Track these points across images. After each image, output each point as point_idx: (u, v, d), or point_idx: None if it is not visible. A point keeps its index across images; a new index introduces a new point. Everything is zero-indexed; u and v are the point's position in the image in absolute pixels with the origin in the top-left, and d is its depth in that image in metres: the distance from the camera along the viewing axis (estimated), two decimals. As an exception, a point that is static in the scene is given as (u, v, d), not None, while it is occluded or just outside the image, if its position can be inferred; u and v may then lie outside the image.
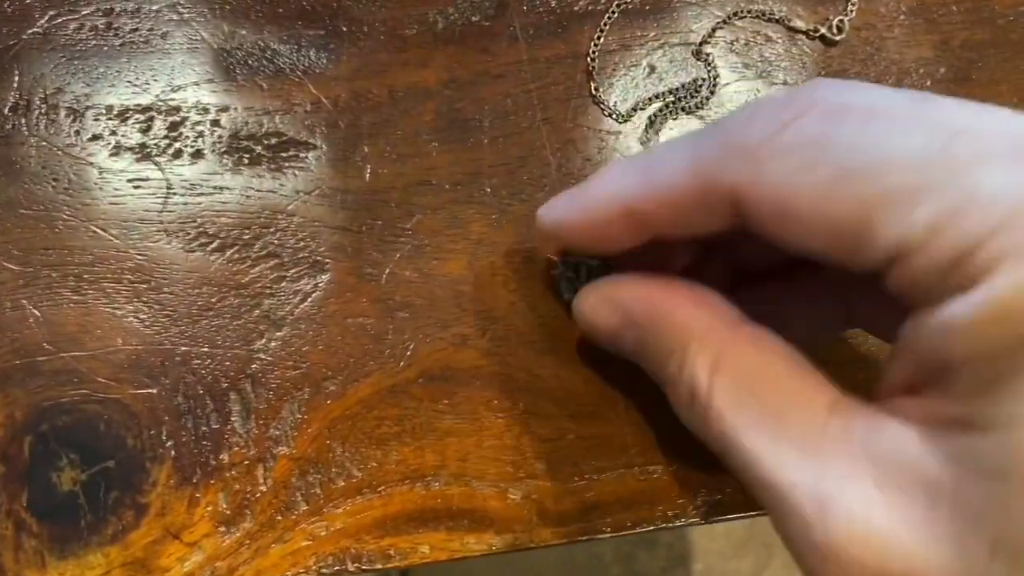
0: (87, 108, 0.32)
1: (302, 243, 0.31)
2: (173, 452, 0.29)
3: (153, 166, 0.31)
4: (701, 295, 0.26)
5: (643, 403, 0.31)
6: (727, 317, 0.25)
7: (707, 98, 0.34)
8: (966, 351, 0.18)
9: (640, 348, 0.26)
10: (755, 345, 0.24)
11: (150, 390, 0.29)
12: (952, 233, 0.18)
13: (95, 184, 0.31)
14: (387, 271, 0.31)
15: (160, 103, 0.32)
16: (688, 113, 0.33)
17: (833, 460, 0.21)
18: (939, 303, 0.19)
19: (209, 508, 0.29)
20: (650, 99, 0.34)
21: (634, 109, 0.33)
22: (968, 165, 0.18)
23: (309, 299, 0.31)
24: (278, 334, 0.30)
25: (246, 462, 0.29)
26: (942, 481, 0.19)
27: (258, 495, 0.29)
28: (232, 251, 0.31)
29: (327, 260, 0.31)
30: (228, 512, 0.29)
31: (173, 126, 0.31)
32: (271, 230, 0.31)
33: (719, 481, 0.31)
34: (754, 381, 0.23)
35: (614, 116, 0.33)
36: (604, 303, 0.27)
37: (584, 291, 0.28)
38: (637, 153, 0.26)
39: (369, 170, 0.32)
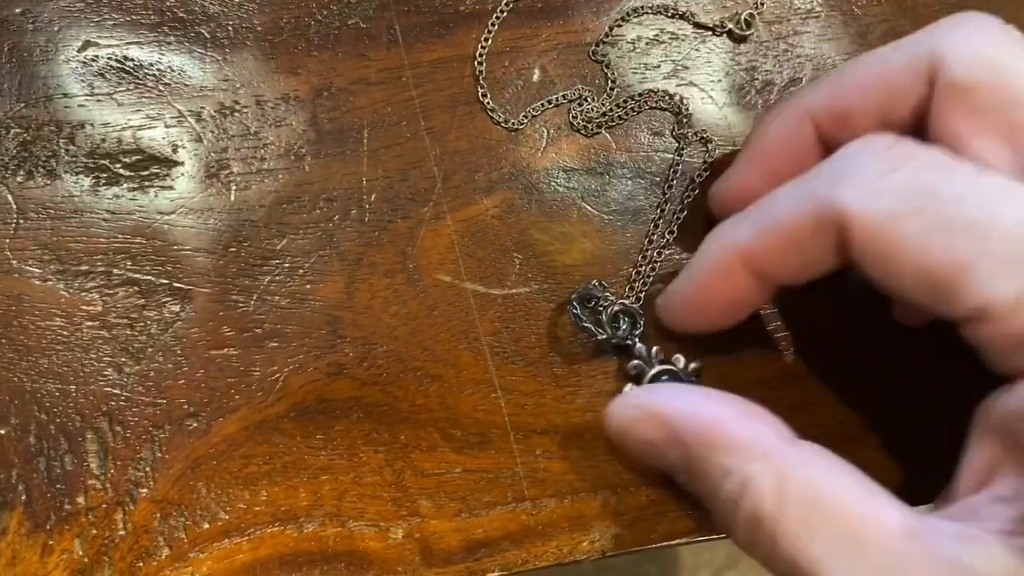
0: (-70, 127, 0.33)
1: (163, 269, 0.32)
2: (24, 497, 0.30)
3: (2, 188, 0.32)
4: (755, 411, 0.28)
5: (535, 432, 0.32)
6: (784, 435, 0.27)
7: (604, 104, 0.35)
8: None
9: (687, 466, 0.28)
10: (818, 465, 0.26)
11: None
12: None
13: (-63, 210, 0.31)
14: (255, 297, 0.32)
15: (8, 120, 0.32)
16: (586, 121, 0.34)
17: None
18: (1020, 379, 0.23)
19: (64, 556, 0.30)
20: (543, 105, 0.35)
21: (525, 116, 0.35)
22: None
23: (170, 330, 0.32)
24: (136, 368, 0.31)
25: (104, 505, 0.30)
26: None
27: (117, 540, 0.30)
28: (87, 279, 0.32)
29: (190, 287, 0.32)
30: (85, 560, 0.30)
31: (23, 144, 0.33)
32: (129, 255, 0.32)
33: (614, 514, 0.32)
34: (823, 504, 0.25)
35: (504, 124, 0.34)
36: (646, 417, 0.29)
37: (620, 401, 0.30)
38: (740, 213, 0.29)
39: (235, 188, 0.33)
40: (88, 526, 0.30)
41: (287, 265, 0.32)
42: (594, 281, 0.32)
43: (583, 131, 0.35)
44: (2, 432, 0.30)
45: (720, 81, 0.36)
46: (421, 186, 0.33)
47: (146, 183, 0.33)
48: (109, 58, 0.33)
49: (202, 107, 0.33)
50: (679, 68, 0.36)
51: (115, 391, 0.31)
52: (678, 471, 0.29)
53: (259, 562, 0.30)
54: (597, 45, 0.35)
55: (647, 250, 0.33)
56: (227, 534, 0.30)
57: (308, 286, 0.32)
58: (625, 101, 0.35)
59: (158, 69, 0.33)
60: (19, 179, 0.32)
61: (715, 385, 0.31)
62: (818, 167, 0.26)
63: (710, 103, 0.35)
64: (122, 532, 0.30)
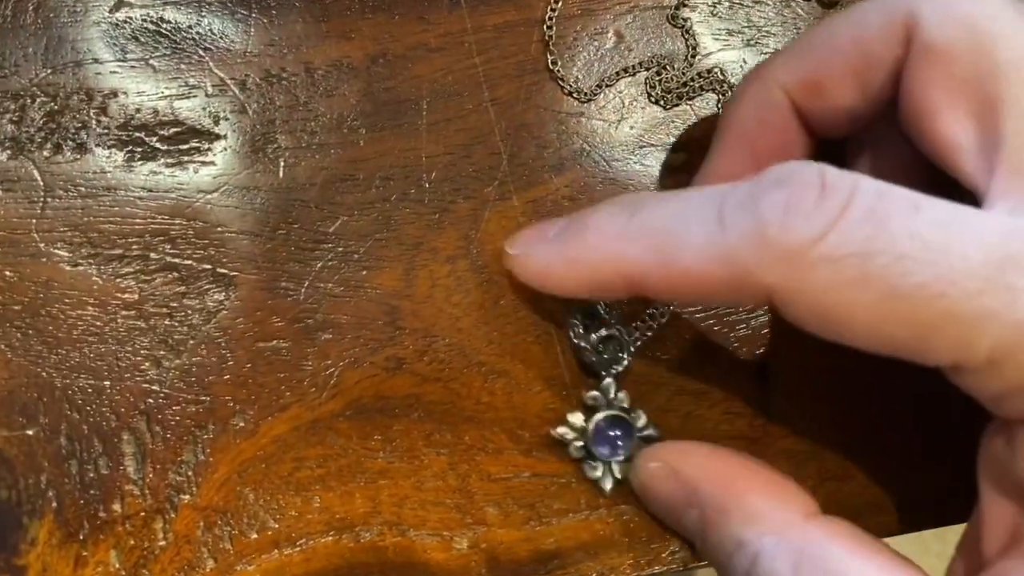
0: (-53, 95, 0.30)
1: (205, 253, 0.30)
2: (55, 504, 0.28)
3: (28, 163, 0.30)
4: (777, 480, 0.27)
5: None
6: (805, 507, 0.26)
7: (684, 72, 0.32)
8: None
9: (703, 530, 0.27)
10: (840, 544, 0.24)
11: (26, 431, 0.28)
12: (1014, 365, 0.21)
13: (-44, 187, 0.30)
14: (306, 284, 0.30)
15: (34, 88, 0.30)
16: (665, 91, 0.31)
17: None
18: (1018, 428, 0.22)
19: (99, 569, 0.28)
20: (618, 73, 0.32)
21: (599, 86, 0.32)
22: None
23: (213, 320, 0.30)
24: (177, 362, 0.29)
25: (142, 513, 0.28)
26: None
27: (157, 552, 0.28)
28: (121, 264, 0.29)
29: (234, 273, 0.30)
30: (122, 572, 0.28)
31: (51, 115, 0.30)
32: (168, 238, 0.30)
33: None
34: None
35: (575, 95, 0.32)
36: (667, 475, 0.28)
37: (645, 455, 0.29)
38: (634, 199, 0.25)
39: (283, 164, 0.31)
40: (125, 536, 0.28)
41: (340, 249, 0.30)
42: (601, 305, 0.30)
43: (662, 103, 0.32)
44: (30, 433, 0.28)
45: (808, 49, 0.33)
46: (485, 163, 0.31)
47: (185, 158, 0.30)
48: (144, 19, 0.31)
49: (246, 75, 0.31)
50: (763, 35, 0.33)
51: (154, 387, 0.29)
52: (694, 536, 0.28)
53: (312, 575, 0.28)
54: (677, 8, 0.32)
55: None
56: (277, 544, 0.28)
57: (363, 273, 0.30)
58: (709, 71, 0.32)
59: (198, 32, 0.31)
60: (46, 153, 0.29)
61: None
62: (736, 208, 0.23)
63: None
64: (162, 542, 0.28)
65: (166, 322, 0.29)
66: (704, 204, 0.24)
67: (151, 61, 0.30)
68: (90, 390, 0.28)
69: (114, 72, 0.30)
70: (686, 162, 0.32)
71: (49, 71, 0.30)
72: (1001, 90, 0.23)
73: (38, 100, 0.30)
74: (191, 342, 0.29)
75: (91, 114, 0.30)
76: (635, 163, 0.32)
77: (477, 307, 0.30)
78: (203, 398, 0.29)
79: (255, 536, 0.28)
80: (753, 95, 0.28)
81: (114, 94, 0.30)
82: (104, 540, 0.28)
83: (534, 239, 0.28)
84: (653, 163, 0.32)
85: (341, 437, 0.29)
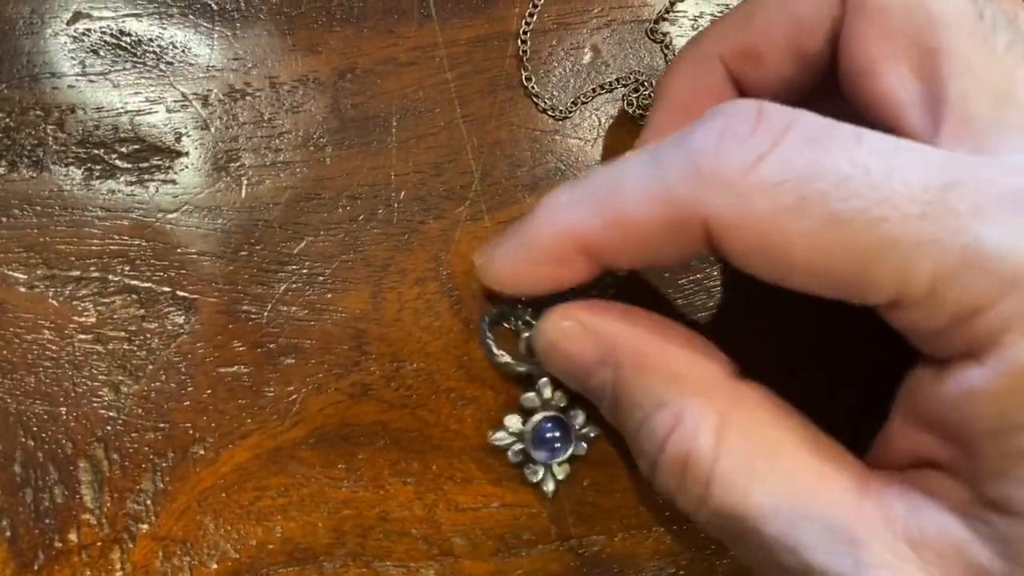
0: (-100, 109, 0.29)
1: (165, 275, 0.29)
2: (9, 533, 0.27)
3: None
4: (698, 341, 0.25)
5: (582, 461, 0.29)
6: (729, 370, 0.24)
7: None
8: (990, 426, 0.19)
9: (615, 393, 0.25)
10: (766, 408, 0.23)
11: None
12: (955, 294, 0.19)
13: (-92, 205, 0.28)
14: (269, 307, 0.29)
15: None
16: (642, 109, 0.30)
17: (871, 545, 0.21)
18: (946, 364, 0.20)
19: None
20: (594, 90, 0.31)
21: (575, 103, 0.31)
22: (968, 218, 0.19)
23: (173, 344, 0.29)
24: (135, 387, 0.28)
25: (99, 543, 0.28)
26: (992, 570, 0.20)
27: None
28: (78, 286, 0.29)
29: (195, 295, 0.29)
30: None
31: (5, 131, 0.29)
32: (127, 259, 0.29)
33: (670, 554, 0.29)
34: (769, 450, 0.22)
35: (550, 112, 0.31)
36: (581, 330, 0.26)
37: (554, 313, 0.26)
38: (582, 178, 0.24)
39: (247, 183, 0.30)
40: (81, 566, 0.27)
41: (305, 271, 0.29)
42: (519, 304, 0.29)
43: (639, 120, 0.31)
44: (-17, 460, 0.27)
45: (793, 65, 0.32)
46: (456, 182, 0.30)
47: (146, 176, 0.29)
48: (103, 32, 0.30)
49: (209, 90, 0.30)
50: (746, 49, 0.32)
51: (111, 414, 0.28)
52: (603, 396, 0.26)
53: None
54: (656, 22, 0.31)
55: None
56: (238, 575, 0.27)
57: (329, 295, 0.29)
58: (688, 87, 0.31)
59: (159, 46, 0.30)
60: (1, 170, 0.29)
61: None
62: (673, 145, 0.22)
63: None
64: (119, 573, 0.27)
65: (124, 346, 0.28)
66: (641, 155, 0.23)
67: (111, 75, 0.29)
68: (45, 416, 0.28)
69: (72, 86, 0.29)
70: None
71: (4, 86, 0.29)
72: (940, 40, 0.22)
73: None
74: (150, 367, 0.28)
75: (48, 130, 0.29)
76: None
77: (447, 331, 0.29)
78: (162, 425, 0.28)
79: (215, 567, 0.28)
80: (689, 65, 0.27)
81: (72, 109, 0.29)
82: (60, 570, 0.27)
83: (495, 241, 0.27)
84: None
85: (304, 465, 0.28)
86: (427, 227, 0.30)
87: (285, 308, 0.29)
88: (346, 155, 0.30)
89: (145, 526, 0.27)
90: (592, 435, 0.29)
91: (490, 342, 0.28)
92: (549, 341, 0.26)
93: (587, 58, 0.31)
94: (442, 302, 0.29)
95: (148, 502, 0.27)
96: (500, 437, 0.29)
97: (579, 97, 0.31)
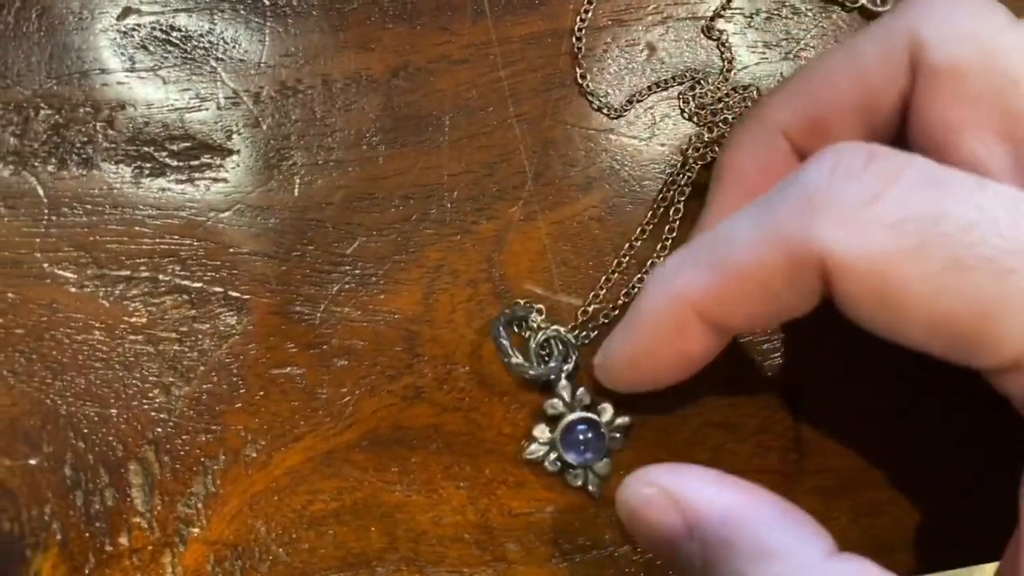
0: (-53, 105, 0.29)
1: (216, 275, 0.29)
2: (59, 536, 0.27)
3: (31, 179, 0.28)
4: (793, 512, 0.23)
5: (638, 465, 0.27)
6: (824, 544, 0.23)
7: (719, 87, 0.31)
8: None
9: (704, 567, 0.23)
10: None
11: (29, 461, 0.27)
12: None
13: (-43, 203, 0.28)
14: (322, 308, 0.29)
15: (38, 99, 0.28)
16: (699, 108, 0.29)
17: None
18: None
19: None
20: (649, 88, 0.31)
21: (629, 101, 0.31)
22: None
23: (225, 345, 0.28)
24: (186, 389, 0.28)
25: (150, 547, 0.27)
26: None
27: None
28: (129, 286, 0.28)
29: (247, 296, 0.29)
30: None
31: (55, 128, 0.29)
32: (178, 259, 0.29)
33: None
34: None
35: (605, 110, 0.31)
36: (663, 498, 0.24)
37: (635, 479, 0.25)
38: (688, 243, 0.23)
39: (299, 182, 0.29)
40: (132, 570, 0.27)
41: (358, 272, 0.29)
42: (522, 300, 0.29)
43: (696, 119, 0.31)
44: (33, 462, 0.27)
45: (849, 64, 0.31)
46: (509, 182, 0.30)
47: (196, 174, 0.29)
48: (153, 27, 0.29)
49: (260, 87, 0.29)
50: (802, 48, 0.31)
51: (162, 416, 0.28)
52: (691, 572, 0.24)
53: None
54: (712, 19, 0.31)
55: (615, 265, 0.29)
56: None
57: (382, 296, 0.29)
58: (745, 88, 0.30)
59: (209, 41, 0.29)
60: (50, 168, 0.28)
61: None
62: (780, 189, 0.21)
63: None
64: None
65: (175, 347, 0.28)
66: (749, 207, 0.22)
67: (160, 72, 0.29)
68: (96, 418, 0.27)
69: (121, 83, 0.29)
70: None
71: (54, 81, 0.28)
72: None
73: (42, 112, 0.28)
74: (201, 368, 0.28)
75: (97, 127, 0.28)
76: (681, 152, 0.30)
77: (500, 313, 0.28)
78: (214, 427, 0.28)
79: (266, 570, 0.27)
80: (751, 139, 0.26)
81: (122, 106, 0.29)
82: (110, 574, 0.27)
83: (609, 338, 0.26)
84: (686, 182, 0.30)
85: (357, 469, 0.28)
86: (480, 227, 0.29)
87: (338, 309, 0.28)
88: (399, 154, 0.29)
89: (196, 529, 0.27)
90: (626, 423, 0.28)
91: (504, 343, 0.28)
92: (630, 509, 0.25)
93: (642, 55, 0.31)
94: (494, 304, 0.29)
95: (199, 505, 0.27)
96: (533, 450, 0.28)
97: (634, 95, 0.30)
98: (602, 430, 0.28)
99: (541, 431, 0.28)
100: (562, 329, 0.28)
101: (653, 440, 0.29)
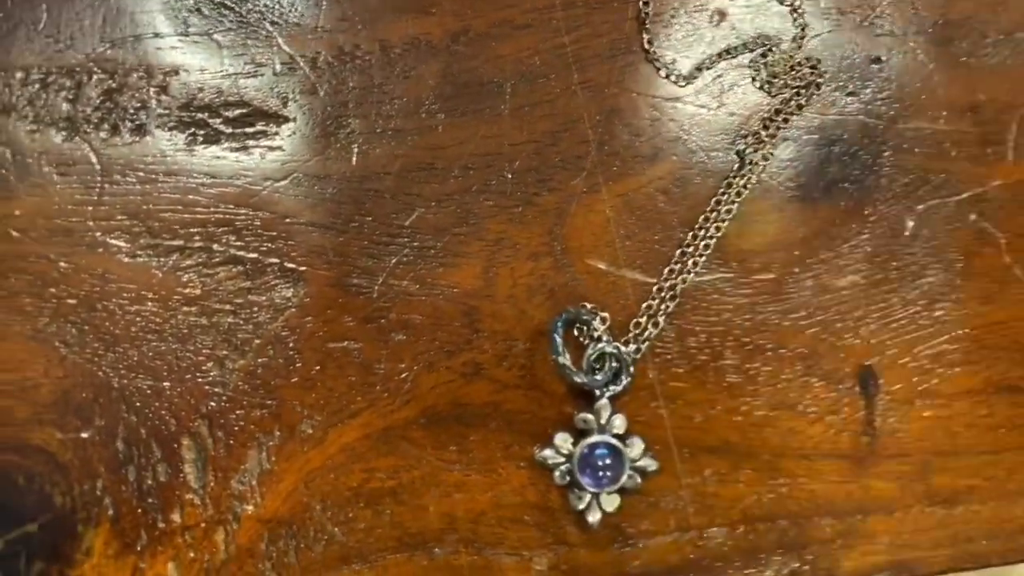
0: (-1, 70, 0.29)
1: (272, 246, 0.28)
2: (111, 512, 0.26)
3: (84, 145, 0.28)
4: None
5: (703, 450, 0.28)
6: None
7: (792, 55, 0.30)
8: None
9: None
10: None
11: (81, 434, 0.27)
12: None
13: (7, 170, 0.27)
14: (380, 281, 0.28)
15: (91, 64, 0.28)
16: (771, 76, 0.28)
17: None
18: None
19: None
20: (719, 55, 0.30)
21: (698, 69, 0.30)
22: None
23: (280, 318, 0.27)
24: (241, 362, 0.27)
25: (203, 524, 0.27)
26: None
27: (218, 565, 0.26)
28: (183, 256, 0.27)
29: (303, 267, 0.28)
30: None
31: (108, 93, 0.28)
32: (233, 228, 0.28)
33: (794, 547, 0.28)
34: None
35: (672, 78, 0.29)
36: None
37: None
38: None
39: (356, 151, 0.28)
40: (185, 548, 0.26)
41: (416, 244, 0.28)
42: (588, 305, 0.28)
43: (767, 88, 0.29)
44: (85, 436, 0.26)
45: (927, 31, 0.30)
46: (573, 152, 0.29)
47: (251, 142, 0.28)
48: (207, -9, 0.28)
49: (317, 52, 0.28)
50: (877, 16, 0.30)
51: (216, 389, 0.27)
52: None
53: None
54: (785, -15, 0.29)
55: (676, 267, 0.28)
56: (345, 560, 0.27)
57: (440, 269, 0.28)
58: (819, 60, 0.29)
59: (265, 4, 0.28)
60: (103, 134, 0.27)
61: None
62: None
63: (911, 57, 0.30)
64: (223, 556, 0.26)
65: (230, 319, 0.27)
66: None
67: (215, 36, 0.28)
68: (148, 391, 0.26)
69: (175, 47, 0.28)
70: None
71: (107, 45, 0.27)
72: None
73: (95, 76, 0.27)
74: (256, 341, 0.27)
75: (151, 93, 0.28)
76: (737, 154, 0.29)
77: (560, 309, 0.28)
78: (268, 402, 0.27)
79: (321, 550, 0.26)
80: None
81: (175, 71, 0.28)
82: (163, 552, 0.26)
83: None
84: (756, 153, 0.29)
85: (415, 447, 0.27)
86: (542, 199, 0.28)
87: (396, 282, 0.28)
88: (459, 123, 0.28)
89: (250, 507, 0.26)
90: (650, 469, 0.27)
91: (558, 339, 0.27)
92: None
93: (712, 21, 0.30)
94: (556, 279, 0.28)
95: (253, 482, 0.26)
96: (548, 455, 0.27)
97: (703, 62, 0.29)
98: (624, 464, 0.27)
99: (563, 439, 0.27)
100: (623, 348, 0.27)
101: (724, 422, 0.28)
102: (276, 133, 0.28)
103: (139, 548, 0.26)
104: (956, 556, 0.28)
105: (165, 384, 0.27)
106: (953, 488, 0.28)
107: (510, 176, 0.28)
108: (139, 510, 0.26)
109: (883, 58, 0.30)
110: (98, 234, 0.27)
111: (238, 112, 0.28)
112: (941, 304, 0.29)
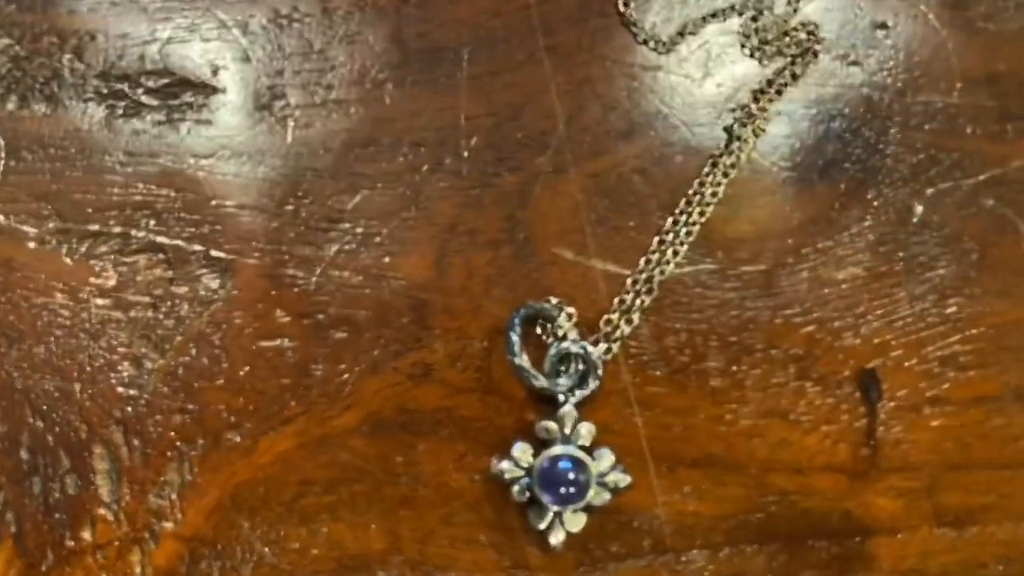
0: None
1: (197, 231, 0.27)
2: (14, 528, 0.26)
3: None
4: None
5: (682, 463, 0.26)
6: None
7: (786, 19, 0.28)
8: None
9: None
10: None
11: None
12: None
13: (-99, 146, 0.27)
14: (318, 272, 0.27)
15: None
16: (762, 42, 0.28)
17: None
18: None
19: None
20: (704, 19, 0.28)
21: (681, 34, 0.28)
22: None
23: (205, 312, 0.26)
24: (160, 362, 0.26)
25: (116, 542, 0.26)
26: None
27: None
28: (96, 242, 0.26)
29: (232, 256, 0.27)
30: None
31: (15, 61, 0.27)
32: (153, 211, 0.26)
33: (785, 572, 0.26)
34: None
35: (652, 44, 0.28)
36: None
37: None
38: None
39: (293, 125, 0.27)
40: (96, 569, 0.26)
41: (360, 230, 0.27)
42: (552, 299, 0.26)
43: (758, 56, 0.28)
44: (-14, 442, 0.24)
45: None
46: (537, 128, 0.27)
47: (176, 115, 0.27)
48: (129, -55, 0.27)
49: (251, 15, 0.27)
50: (883, -26, 0.28)
51: (132, 392, 0.26)
52: None
53: None
54: (778, -61, 0.27)
55: (653, 256, 0.26)
56: None
57: (387, 259, 0.27)
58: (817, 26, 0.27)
59: (193, -38, 0.27)
60: (10, 106, 0.26)
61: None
62: None
63: (922, 23, 0.28)
64: None
65: (149, 313, 0.26)
66: None
67: (138, -4, 0.27)
68: (57, 394, 0.26)
69: (92, 10, 0.27)
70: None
71: (13, 6, 0.27)
72: None
73: (1, 42, 0.26)
74: (178, 338, 0.26)
75: (64, 60, 0.27)
76: (724, 130, 0.27)
77: (522, 303, 0.26)
78: (191, 406, 0.26)
79: (249, 573, 0.26)
80: None
81: (91, 36, 0.27)
82: (71, 573, 0.26)
83: None
84: (745, 128, 0.27)
85: (356, 457, 0.26)
86: (501, 180, 0.27)
87: (336, 273, 0.27)
88: (409, 94, 0.27)
89: (169, 524, 0.25)
90: (621, 485, 0.25)
91: (515, 337, 0.25)
92: None
93: (696, -20, 0.28)
94: (517, 270, 0.27)
95: (173, 496, 0.25)
96: (506, 468, 0.25)
97: (686, 27, 0.28)
98: (590, 479, 0.25)
99: (522, 451, 0.25)
100: (590, 348, 0.26)
101: (707, 431, 0.26)
102: (204, 105, 0.27)
103: (44, 568, 0.25)
104: (970, 584, 0.26)
105: (75, 385, 0.26)
106: (965, 507, 0.27)
107: (466, 154, 0.27)
108: (45, 526, 0.25)
109: (889, 23, 0.28)
110: (1, 218, 0.26)
111: (162, 82, 0.27)
112: (953, 300, 0.27)
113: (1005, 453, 0.27)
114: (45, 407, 0.25)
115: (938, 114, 0.28)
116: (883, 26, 0.28)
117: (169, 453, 0.25)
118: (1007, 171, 0.27)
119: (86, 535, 0.25)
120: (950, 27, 0.28)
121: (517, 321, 0.25)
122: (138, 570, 0.25)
